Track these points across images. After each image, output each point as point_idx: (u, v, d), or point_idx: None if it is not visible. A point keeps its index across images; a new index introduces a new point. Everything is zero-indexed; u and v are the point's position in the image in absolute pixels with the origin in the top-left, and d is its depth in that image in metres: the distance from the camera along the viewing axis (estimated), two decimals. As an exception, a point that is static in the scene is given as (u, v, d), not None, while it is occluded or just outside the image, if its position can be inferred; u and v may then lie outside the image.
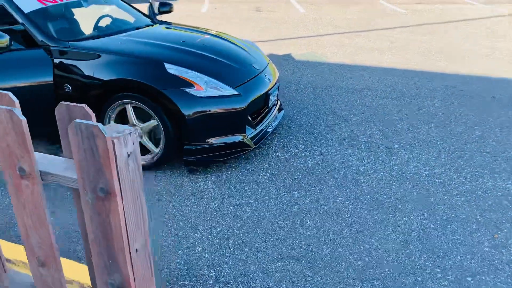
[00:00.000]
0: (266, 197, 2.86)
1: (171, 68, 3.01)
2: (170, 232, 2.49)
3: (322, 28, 8.77)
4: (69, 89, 3.08)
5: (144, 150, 3.18)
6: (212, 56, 3.35)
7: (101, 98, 3.09)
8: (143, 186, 1.23)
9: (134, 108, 3.06)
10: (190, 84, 2.97)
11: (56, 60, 3.10)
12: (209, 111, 3.00)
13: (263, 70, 3.56)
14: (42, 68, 3.07)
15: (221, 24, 9.19)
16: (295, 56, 6.64)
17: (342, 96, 4.85)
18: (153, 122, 3.04)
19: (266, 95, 3.41)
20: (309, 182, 3.04)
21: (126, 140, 1.14)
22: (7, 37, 2.88)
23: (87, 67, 3.06)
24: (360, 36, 7.92)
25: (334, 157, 3.42)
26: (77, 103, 3.33)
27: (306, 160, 3.36)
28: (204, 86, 3.01)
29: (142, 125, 3.09)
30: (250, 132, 3.33)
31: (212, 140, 3.09)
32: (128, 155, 1.16)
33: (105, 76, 3.01)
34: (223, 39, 3.82)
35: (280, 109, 4.04)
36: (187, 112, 2.94)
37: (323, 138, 3.76)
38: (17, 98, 2.92)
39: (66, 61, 3.10)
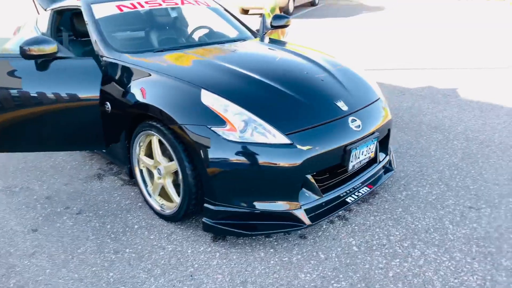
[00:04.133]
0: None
1: (207, 97, 2.21)
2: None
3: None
4: (108, 107, 2.61)
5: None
6: (274, 85, 2.41)
7: (135, 122, 2.52)
8: None
9: (161, 142, 2.40)
10: (222, 121, 2.12)
11: (104, 73, 2.67)
12: (242, 162, 2.08)
13: (352, 113, 2.43)
14: (90, 80, 2.68)
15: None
16: (461, 93, 4.98)
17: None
18: (173, 164, 2.30)
19: (345, 150, 2.28)
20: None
21: None
22: (55, 44, 2.58)
23: (128, 85, 2.53)
24: None
25: (443, 274, 2.04)
26: (114, 124, 2.90)
27: (391, 266, 2.09)
28: (241, 127, 2.11)
29: (166, 164, 2.39)
30: (310, 201, 2.26)
31: (242, 203, 2.17)
32: None
33: (137, 97, 2.42)
34: (312, 61, 2.81)
35: (387, 169, 2.79)
36: (209, 158, 2.10)
37: (444, 229, 2.37)
38: (61, 111, 2.60)
39: (113, 75, 2.64)
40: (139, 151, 2.55)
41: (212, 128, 2.10)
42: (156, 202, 2.53)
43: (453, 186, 2.85)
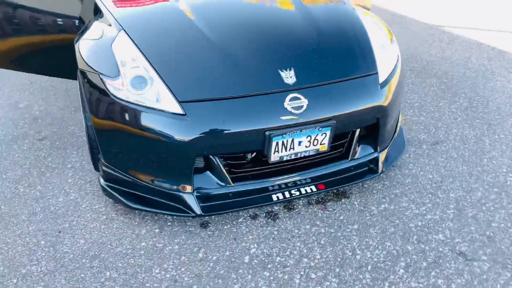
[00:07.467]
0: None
1: (122, 40, 1.87)
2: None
3: None
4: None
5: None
6: (212, 38, 1.91)
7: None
8: None
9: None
10: (116, 72, 1.78)
11: None
12: (125, 124, 1.75)
13: (299, 89, 1.79)
14: None
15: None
16: None
17: None
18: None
19: (264, 136, 1.73)
20: None
21: None
22: None
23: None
24: None
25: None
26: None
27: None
28: (130, 83, 1.74)
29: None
30: (211, 188, 1.84)
31: (128, 171, 1.87)
32: None
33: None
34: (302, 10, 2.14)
35: (371, 170, 2.09)
36: (94, 111, 1.84)
37: (376, 267, 1.69)
38: None
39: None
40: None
41: (102, 78, 1.80)
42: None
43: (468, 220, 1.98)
